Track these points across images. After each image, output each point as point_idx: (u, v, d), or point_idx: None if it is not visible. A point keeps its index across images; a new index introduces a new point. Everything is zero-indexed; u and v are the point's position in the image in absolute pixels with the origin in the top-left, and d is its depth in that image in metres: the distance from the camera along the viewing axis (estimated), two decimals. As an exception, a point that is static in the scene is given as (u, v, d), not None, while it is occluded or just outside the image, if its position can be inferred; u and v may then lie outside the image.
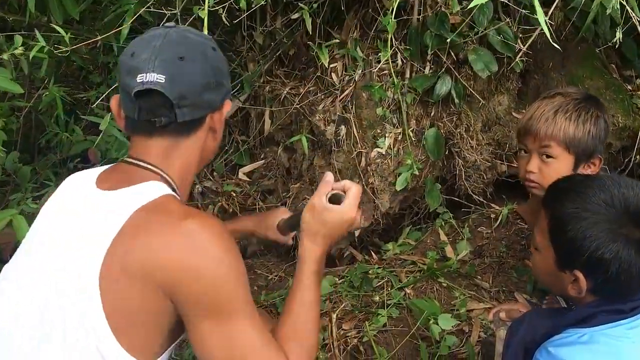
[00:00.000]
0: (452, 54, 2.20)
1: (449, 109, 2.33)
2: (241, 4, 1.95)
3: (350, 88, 2.31)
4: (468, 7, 1.81)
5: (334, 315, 2.02)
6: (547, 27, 1.50)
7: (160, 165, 1.23)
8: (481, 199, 2.48)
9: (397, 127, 2.31)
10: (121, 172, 1.24)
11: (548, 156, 1.69)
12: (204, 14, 1.79)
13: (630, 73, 2.59)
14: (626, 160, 2.49)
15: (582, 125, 1.68)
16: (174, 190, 1.23)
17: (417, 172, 2.25)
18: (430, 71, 2.26)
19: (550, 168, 1.69)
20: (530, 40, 2.08)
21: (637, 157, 2.38)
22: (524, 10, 2.04)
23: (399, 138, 2.31)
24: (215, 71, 1.24)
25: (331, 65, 2.34)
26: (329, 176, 1.38)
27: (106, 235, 1.11)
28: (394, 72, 2.20)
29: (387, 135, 2.30)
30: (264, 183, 2.62)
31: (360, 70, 2.29)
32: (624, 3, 1.84)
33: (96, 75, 2.85)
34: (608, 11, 1.86)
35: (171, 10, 2.03)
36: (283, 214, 1.77)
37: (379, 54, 2.27)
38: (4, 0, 2.51)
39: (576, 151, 1.68)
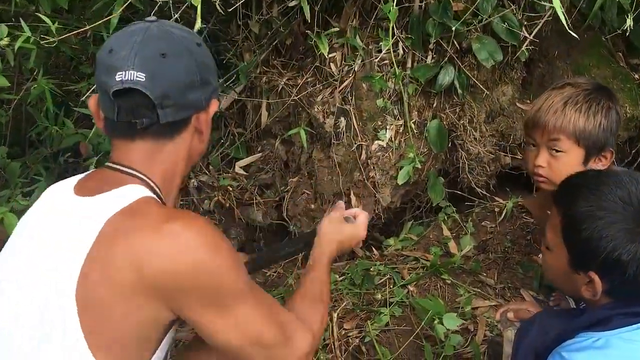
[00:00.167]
0: (455, 42, 2.12)
1: (452, 100, 2.26)
2: (236, -8, 1.87)
3: (350, 79, 2.23)
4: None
5: (335, 315, 1.96)
6: (563, 14, 1.42)
7: (144, 170, 1.16)
8: (484, 192, 2.42)
9: (398, 118, 2.23)
10: (101, 178, 1.17)
11: (557, 150, 1.62)
12: (197, 2, 1.71)
13: (637, 61, 2.51)
14: (633, 151, 2.43)
15: (593, 118, 1.60)
16: (157, 195, 1.17)
17: (419, 166, 2.18)
18: (433, 61, 2.19)
19: (560, 162, 1.62)
20: (537, 28, 2.00)
21: (646, 148, 2.32)
22: (529, -3, 1.97)
23: (401, 130, 2.23)
24: (201, 68, 1.17)
25: (330, 55, 2.26)
26: (341, 203, 1.57)
27: (81, 245, 1.04)
28: (395, 61, 2.12)
29: (388, 127, 2.23)
30: (261, 177, 2.54)
31: (360, 60, 2.21)
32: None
33: (86, 66, 2.76)
34: (616, -2, 1.79)
35: (163, -2, 1.94)
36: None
37: (379, 43, 2.20)
38: (-10, -11, 2.42)
39: (586, 144, 1.61)
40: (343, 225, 1.49)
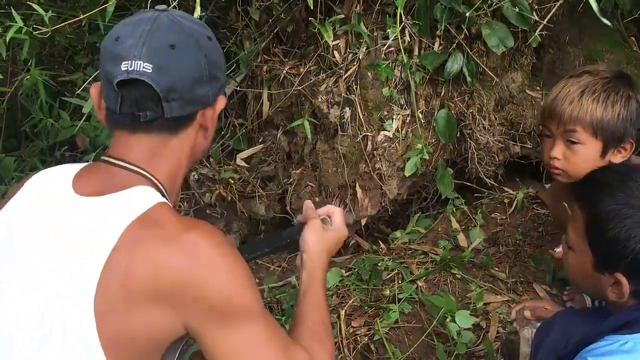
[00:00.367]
0: (464, 28, 2.04)
1: (460, 88, 2.19)
2: (236, -22, 1.79)
3: (355, 67, 2.15)
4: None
5: (343, 312, 1.90)
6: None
7: (146, 166, 1.10)
8: (492, 182, 2.35)
9: (405, 108, 2.16)
10: (102, 175, 1.10)
11: (573, 142, 1.55)
12: (195, -11, 1.63)
13: (651, 46, 2.44)
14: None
15: (611, 107, 1.53)
16: (163, 195, 1.11)
17: (427, 157, 2.11)
18: (440, 48, 2.11)
19: (576, 154, 1.55)
20: (552, 13, 1.92)
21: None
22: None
23: (407, 120, 2.16)
24: (210, 63, 1.11)
25: (333, 43, 2.17)
26: (308, 203, 1.45)
27: (99, 253, 0.99)
28: (401, 49, 2.04)
29: (394, 117, 2.15)
30: (263, 169, 2.47)
31: (365, 48, 2.13)
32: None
33: (82, 56, 2.67)
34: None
35: (160, -15, 1.86)
36: None
37: (385, 29, 2.11)
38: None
39: (604, 136, 1.53)
40: (326, 233, 1.40)
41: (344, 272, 2.09)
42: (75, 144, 2.55)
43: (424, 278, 1.99)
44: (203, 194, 2.42)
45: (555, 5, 1.91)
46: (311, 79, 2.23)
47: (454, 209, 2.29)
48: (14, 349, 1.02)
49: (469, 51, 2.08)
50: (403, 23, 2.03)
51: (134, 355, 1.01)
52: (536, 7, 2.05)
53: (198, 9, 1.70)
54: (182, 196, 2.40)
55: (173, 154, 1.13)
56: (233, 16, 2.46)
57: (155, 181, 1.10)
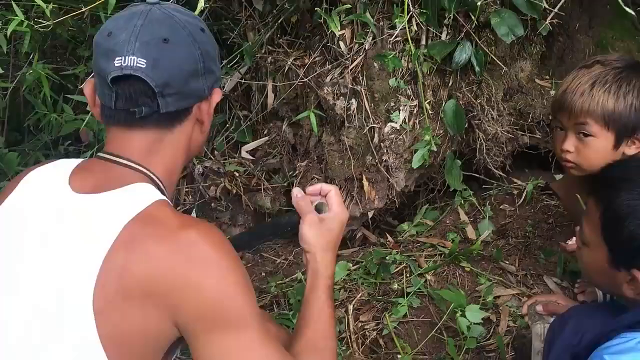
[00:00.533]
0: (473, 17, 2.00)
1: (469, 78, 2.15)
2: (239, -33, 1.75)
3: (361, 57, 2.11)
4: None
5: (351, 307, 1.88)
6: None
7: (143, 162, 1.09)
8: (501, 173, 2.32)
9: (412, 99, 2.12)
10: (99, 171, 1.09)
11: (585, 134, 1.52)
12: (198, -21, 1.60)
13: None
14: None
15: (623, 99, 1.49)
16: (161, 191, 1.10)
17: (435, 148, 2.07)
18: (448, 37, 2.07)
19: (588, 147, 1.52)
20: (562, 0, 1.88)
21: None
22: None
23: (415, 111, 2.13)
24: (204, 56, 1.10)
25: (339, 33, 2.13)
26: (298, 192, 1.33)
27: (97, 251, 0.98)
28: (409, 38, 2.01)
29: (401, 108, 2.12)
30: (268, 161, 2.44)
31: (371, 38, 2.09)
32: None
33: (84, 48, 2.64)
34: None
35: (162, -24, 1.82)
36: None
37: (391, 19, 2.07)
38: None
39: (617, 128, 1.50)
40: (325, 224, 1.27)
41: (351, 265, 2.07)
42: (79, 138, 2.53)
43: (432, 271, 1.97)
44: (208, 187, 2.40)
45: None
46: (316, 70, 2.19)
47: (462, 201, 2.26)
48: (14, 347, 1.01)
49: (477, 40, 2.04)
50: (410, 12, 1.99)
51: (134, 354, 0.99)
52: (546, -6, 2.01)
53: (202, 0, 1.67)
54: (186, 189, 2.38)
55: (169, 148, 1.12)
56: (236, 6, 2.42)
57: (153, 177, 1.09)
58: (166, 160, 1.12)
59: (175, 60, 1.05)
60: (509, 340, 1.74)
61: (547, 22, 1.97)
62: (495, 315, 1.82)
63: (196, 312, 0.99)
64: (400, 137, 2.13)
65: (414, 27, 2.05)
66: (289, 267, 2.27)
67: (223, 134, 2.49)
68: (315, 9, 2.07)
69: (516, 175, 2.40)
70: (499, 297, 1.87)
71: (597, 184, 1.21)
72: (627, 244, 1.11)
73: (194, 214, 2.35)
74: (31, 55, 2.30)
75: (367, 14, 2.06)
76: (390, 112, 2.12)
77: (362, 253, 2.18)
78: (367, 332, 1.82)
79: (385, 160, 2.14)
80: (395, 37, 2.07)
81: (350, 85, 2.11)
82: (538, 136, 2.33)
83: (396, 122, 2.12)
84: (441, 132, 2.16)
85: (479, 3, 1.89)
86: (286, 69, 2.29)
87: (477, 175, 2.35)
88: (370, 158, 2.16)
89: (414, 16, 2.02)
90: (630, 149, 1.51)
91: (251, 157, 2.47)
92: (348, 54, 2.13)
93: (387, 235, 2.28)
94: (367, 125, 2.13)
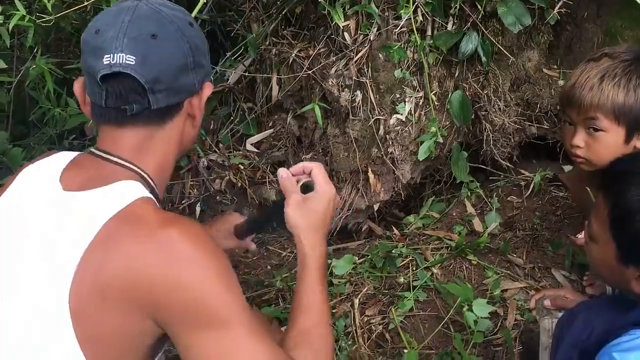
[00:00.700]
0: (479, 6, 1.96)
1: (475, 69, 2.12)
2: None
3: (366, 49, 2.09)
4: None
5: (356, 301, 1.87)
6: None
7: (134, 159, 1.09)
8: (508, 164, 2.29)
9: (418, 90, 2.10)
10: (90, 168, 1.09)
11: (595, 129, 1.49)
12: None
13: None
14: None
15: (634, 92, 1.45)
16: (151, 187, 1.10)
17: (441, 140, 2.05)
18: (455, 27, 2.04)
19: (599, 142, 1.49)
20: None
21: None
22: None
23: (421, 102, 2.10)
24: (193, 50, 1.10)
25: (343, 24, 2.11)
26: (283, 172, 1.28)
27: (75, 249, 0.97)
28: (414, 29, 1.98)
29: (407, 99, 2.09)
30: (273, 154, 2.43)
31: (376, 29, 2.06)
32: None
33: (87, 42, 2.62)
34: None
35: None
36: (236, 219, 1.55)
37: (397, 9, 2.04)
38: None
39: (627, 122, 1.46)
40: (310, 205, 1.22)
41: (356, 259, 2.05)
42: (84, 132, 2.52)
43: (439, 265, 1.95)
44: (213, 180, 2.39)
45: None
46: (321, 62, 2.17)
47: (469, 193, 2.24)
48: (14, 347, 1.00)
49: (484, 30, 2.01)
50: (415, 2, 1.96)
51: (114, 355, 0.99)
52: (554, -18, 1.98)
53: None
54: (191, 183, 2.37)
55: (161, 145, 1.12)
56: (240, -2, 2.40)
57: (144, 174, 1.09)
58: (157, 157, 1.12)
59: (164, 56, 1.05)
60: (516, 334, 1.72)
61: (555, 11, 1.93)
62: (502, 309, 1.81)
63: (179, 311, 0.98)
64: (406, 128, 2.10)
65: (420, 18, 2.02)
66: (295, 260, 2.25)
67: (228, 126, 2.48)
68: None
69: (523, 166, 2.38)
70: (506, 290, 1.86)
71: (605, 178, 1.19)
72: (636, 240, 1.09)
73: (198, 208, 2.35)
74: (35, 49, 2.29)
75: (372, 5, 2.03)
76: (395, 103, 2.10)
77: (367, 246, 2.16)
78: (373, 327, 1.81)
79: (390, 153, 2.13)
80: (401, 27, 2.03)
81: (354, 77, 2.09)
82: (546, 127, 2.30)
83: (402, 114, 2.09)
84: (447, 123, 2.13)
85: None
86: (290, 61, 2.26)
87: (484, 167, 2.33)
88: (376, 150, 2.14)
89: (419, 6, 1.99)
90: None
91: (256, 150, 2.46)
92: (353, 45, 2.10)
93: (393, 227, 2.26)
94: (372, 117, 2.11)
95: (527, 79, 2.23)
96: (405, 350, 1.69)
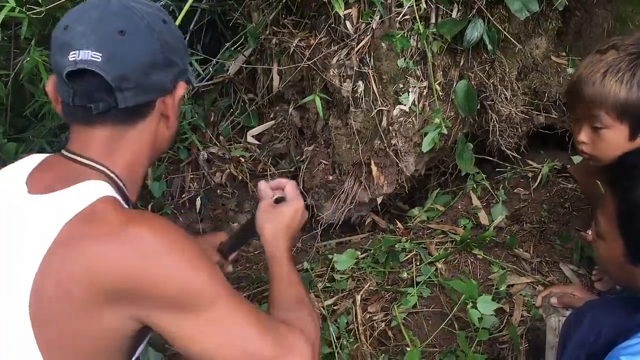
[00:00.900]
0: (484, -8, 1.90)
1: (481, 57, 2.06)
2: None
3: (368, 38, 2.02)
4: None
5: (358, 297, 1.82)
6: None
7: (104, 160, 1.06)
8: (515, 155, 2.23)
9: (421, 80, 2.04)
10: (58, 170, 1.06)
11: (599, 126, 1.43)
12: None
13: (686, 5, 2.27)
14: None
15: (637, 88, 1.38)
16: (120, 189, 1.07)
17: (445, 131, 2.00)
18: (459, 14, 1.97)
19: (603, 139, 1.42)
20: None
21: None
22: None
23: (425, 93, 2.04)
24: (165, 47, 1.07)
25: (344, 12, 2.05)
26: (262, 184, 1.39)
27: (35, 253, 0.94)
28: (417, 17, 1.92)
29: (410, 90, 2.03)
30: (275, 146, 2.38)
31: (378, 17, 2.00)
32: None
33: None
34: None
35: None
36: (221, 237, 1.59)
37: (399, -4, 1.98)
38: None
39: (630, 119, 1.40)
40: (277, 210, 1.32)
41: (359, 254, 2.01)
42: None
43: (443, 260, 1.90)
44: (213, 173, 2.35)
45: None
46: (322, 52, 2.11)
47: (475, 185, 2.19)
48: (14, 347, 0.97)
49: (489, 17, 1.94)
50: (418, -11, 1.90)
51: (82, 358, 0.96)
52: (562, -34, 1.91)
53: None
54: (191, 176, 2.33)
55: (132, 145, 1.09)
56: (240, -14, 2.34)
57: (112, 175, 1.06)
58: (128, 157, 1.09)
59: (131, 53, 1.02)
60: (522, 331, 1.67)
61: (563, -4, 1.86)
62: (508, 305, 1.76)
63: (164, 303, 0.96)
64: (410, 120, 2.05)
65: (423, 5, 1.96)
66: (297, 255, 2.21)
67: (228, 118, 2.43)
68: (319, -13, 1.98)
69: (531, 157, 2.32)
70: (512, 285, 1.81)
71: (613, 174, 1.13)
72: (646, 238, 1.03)
73: (199, 201, 2.31)
74: (32, 41, 2.25)
75: (374, -8, 1.97)
76: (398, 94, 2.04)
77: (371, 240, 2.12)
78: (375, 324, 1.76)
79: (394, 144, 2.07)
80: (404, 15, 1.98)
81: (356, 68, 2.03)
82: (554, 116, 2.24)
83: (405, 105, 2.04)
84: (452, 114, 2.07)
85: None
86: (291, 51, 2.21)
87: (490, 158, 2.27)
88: (379, 142, 2.08)
89: (423, -7, 1.93)
90: None
91: (257, 142, 2.41)
92: (354, 34, 2.04)
93: (397, 221, 2.21)
94: (375, 108, 2.05)
95: (534, 67, 2.17)
96: (408, 349, 1.65)
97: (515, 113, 2.14)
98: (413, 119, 2.05)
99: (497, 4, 1.95)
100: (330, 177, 2.18)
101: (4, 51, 2.37)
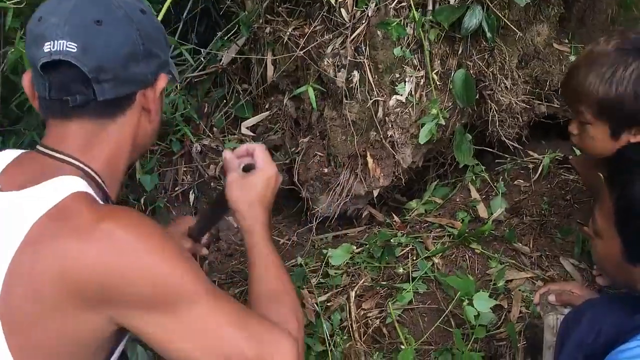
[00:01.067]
0: (483, -22, 1.84)
1: (480, 45, 1.99)
2: None
3: (363, 26, 1.97)
4: None
5: (353, 293, 1.78)
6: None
7: (80, 155, 1.02)
8: (515, 145, 2.17)
9: (418, 69, 1.98)
10: (32, 166, 1.02)
11: (582, 122, 1.39)
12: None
13: (693, -10, 2.19)
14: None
15: (616, 85, 1.31)
16: (98, 185, 1.04)
17: (443, 122, 1.94)
18: (457, 1, 1.91)
19: (588, 135, 1.40)
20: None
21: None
22: None
23: (422, 82, 1.98)
24: (144, 38, 1.03)
25: (339, 0, 1.99)
26: (227, 153, 1.28)
27: (4, 253, 0.90)
28: (413, 4, 1.85)
29: (407, 79, 1.98)
30: (270, 138, 2.33)
31: (374, 4, 1.94)
32: None
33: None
34: None
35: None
36: (189, 221, 1.50)
37: (395, -18, 1.92)
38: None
39: (609, 117, 1.34)
40: (248, 180, 1.21)
41: (355, 248, 1.96)
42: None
43: (440, 254, 1.85)
44: (207, 166, 2.30)
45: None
46: (317, 41, 2.05)
47: (474, 177, 2.13)
48: None
49: (488, 3, 1.88)
50: (414, -25, 1.84)
51: None
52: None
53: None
54: (184, 169, 2.28)
55: (111, 140, 1.05)
56: (232, -27, 2.29)
57: (89, 170, 1.02)
58: (107, 152, 1.05)
59: (109, 43, 0.98)
60: (521, 327, 1.63)
61: (564, -19, 1.80)
62: (507, 301, 1.71)
63: (141, 301, 0.93)
64: (406, 110, 1.99)
65: (419, -9, 1.89)
66: (292, 249, 2.17)
67: (222, 109, 2.38)
68: (312, -26, 1.92)
69: (532, 147, 2.26)
70: (511, 281, 1.76)
71: (610, 169, 1.08)
72: (644, 237, 0.98)
73: (192, 194, 2.26)
74: (19, 32, 2.20)
75: (369, -22, 1.91)
76: (395, 84, 1.98)
77: (367, 234, 2.07)
78: (369, 321, 1.72)
79: (390, 136, 2.02)
80: (400, 2, 1.92)
81: (351, 57, 1.97)
82: (556, 105, 2.18)
83: (401, 95, 1.98)
84: (450, 104, 2.02)
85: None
86: (285, 40, 2.15)
87: (490, 150, 2.21)
88: (375, 134, 2.03)
89: (419, -21, 1.87)
90: (637, 139, 1.35)
91: (252, 134, 2.36)
92: (349, 22, 1.98)
93: (394, 215, 2.16)
94: (370, 99, 2.00)
95: (536, 55, 2.11)
96: (403, 347, 1.60)
97: (516, 102, 2.08)
98: (410, 109, 1.99)
99: (496, -11, 1.88)
100: (326, 170, 2.13)
101: (-7, 41, 2.32)
